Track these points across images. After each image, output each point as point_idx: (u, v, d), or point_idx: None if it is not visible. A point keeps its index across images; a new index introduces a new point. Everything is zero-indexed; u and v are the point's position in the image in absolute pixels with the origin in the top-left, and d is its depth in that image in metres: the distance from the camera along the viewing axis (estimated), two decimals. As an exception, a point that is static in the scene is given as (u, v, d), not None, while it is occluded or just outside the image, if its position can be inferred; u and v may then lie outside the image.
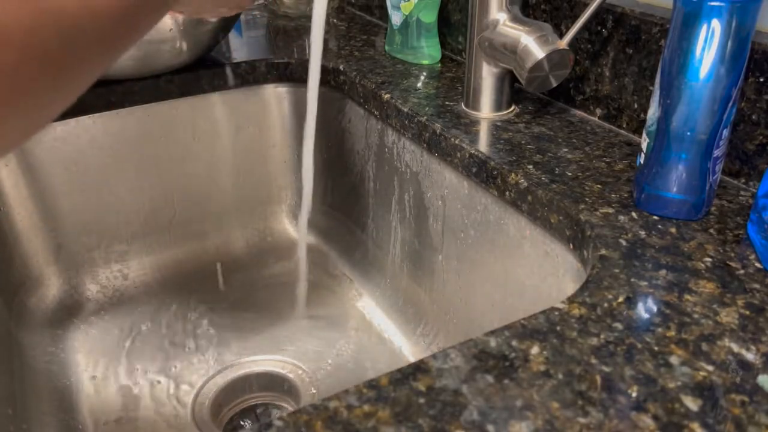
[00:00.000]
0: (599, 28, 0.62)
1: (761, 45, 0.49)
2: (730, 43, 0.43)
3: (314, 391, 0.72)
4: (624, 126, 0.63)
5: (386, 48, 0.85)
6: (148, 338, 0.78)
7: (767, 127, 0.51)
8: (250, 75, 0.86)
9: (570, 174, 0.55)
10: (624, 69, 0.61)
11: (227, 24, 0.78)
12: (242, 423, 0.72)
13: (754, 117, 0.51)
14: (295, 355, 0.76)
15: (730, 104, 0.44)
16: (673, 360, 0.36)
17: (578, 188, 0.53)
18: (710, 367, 0.36)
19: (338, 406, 0.33)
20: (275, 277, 0.88)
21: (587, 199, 0.51)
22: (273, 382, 0.74)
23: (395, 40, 0.82)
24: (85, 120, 0.79)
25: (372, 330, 0.80)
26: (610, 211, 0.50)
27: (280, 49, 0.89)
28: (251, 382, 0.74)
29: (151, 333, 0.78)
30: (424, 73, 0.78)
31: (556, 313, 0.40)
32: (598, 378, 0.35)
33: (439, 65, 0.81)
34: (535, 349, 0.37)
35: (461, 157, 0.62)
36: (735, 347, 0.37)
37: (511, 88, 0.67)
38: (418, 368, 0.36)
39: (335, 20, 1.01)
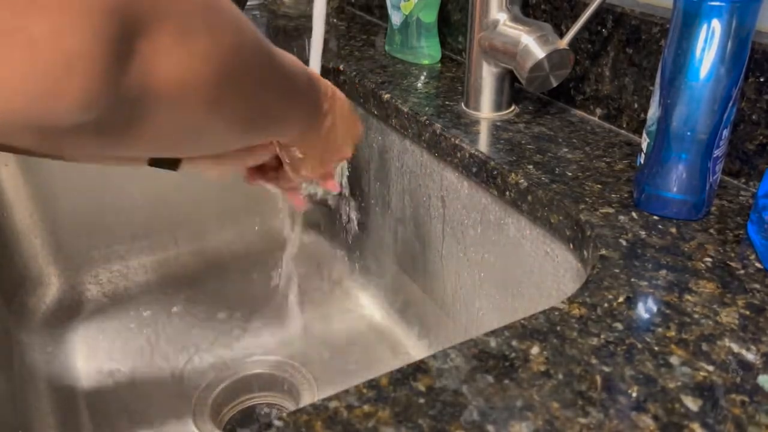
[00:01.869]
0: (599, 28, 0.62)
1: (761, 45, 0.49)
2: (730, 43, 0.43)
3: (314, 391, 0.72)
4: (624, 126, 0.63)
5: (386, 48, 0.85)
6: (147, 338, 0.78)
7: (767, 127, 0.51)
8: (250, 75, 0.86)
9: (570, 174, 0.55)
10: (624, 69, 0.61)
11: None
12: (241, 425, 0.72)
13: (754, 117, 0.51)
14: (295, 355, 0.76)
15: (731, 104, 0.44)
16: (674, 360, 0.36)
17: (578, 188, 0.53)
18: (710, 367, 0.36)
19: (338, 406, 0.33)
20: (275, 277, 0.88)
21: (587, 199, 0.51)
22: (273, 383, 0.74)
23: (395, 39, 0.82)
24: (85, 120, 0.79)
25: (372, 330, 0.80)
26: (611, 211, 0.50)
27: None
28: (251, 383, 0.74)
29: (150, 333, 0.78)
30: (424, 73, 0.78)
31: (557, 313, 0.40)
32: (599, 378, 0.35)
33: (439, 65, 0.81)
34: (535, 349, 0.37)
35: (461, 157, 0.62)
36: (735, 347, 0.37)
37: (511, 88, 0.67)
38: (418, 368, 0.36)
39: (335, 20, 1.01)
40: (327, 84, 0.49)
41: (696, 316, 0.39)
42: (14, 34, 0.20)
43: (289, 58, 0.40)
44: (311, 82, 0.45)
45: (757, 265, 0.44)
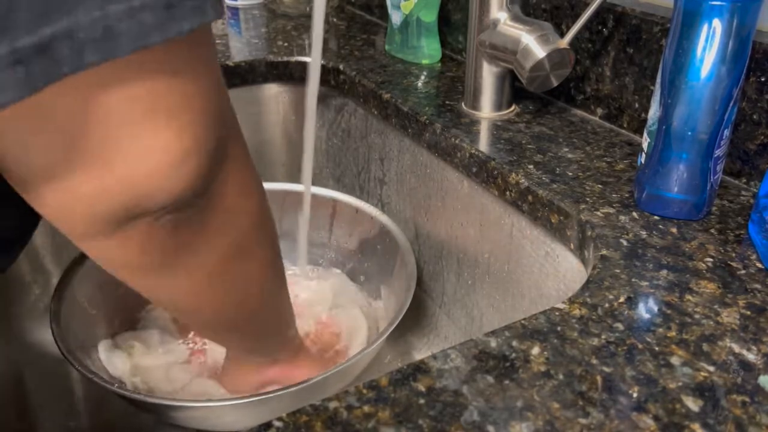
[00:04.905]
0: (600, 27, 0.62)
1: (762, 44, 0.49)
2: (731, 43, 0.42)
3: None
4: (625, 126, 0.62)
5: (386, 47, 0.85)
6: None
7: (768, 126, 0.51)
8: (250, 75, 0.86)
9: (571, 174, 0.55)
10: (625, 68, 0.60)
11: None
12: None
13: (755, 117, 0.51)
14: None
15: (731, 104, 0.44)
16: (674, 360, 0.36)
17: (579, 188, 0.53)
18: (711, 368, 0.36)
19: (338, 406, 0.33)
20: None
21: (588, 199, 0.51)
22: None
23: (395, 39, 0.82)
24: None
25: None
26: (611, 211, 0.50)
27: (279, 48, 0.89)
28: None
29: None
30: (424, 73, 0.78)
31: (557, 313, 0.40)
32: (599, 378, 0.35)
33: (439, 65, 0.81)
34: (535, 350, 0.37)
35: (461, 157, 0.62)
36: (736, 348, 0.37)
37: (512, 88, 0.67)
38: (418, 368, 0.36)
39: (335, 19, 1.01)
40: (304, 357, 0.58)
41: (697, 316, 0.39)
42: (170, 124, 0.27)
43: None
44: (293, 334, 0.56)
45: (758, 265, 0.44)
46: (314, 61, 0.59)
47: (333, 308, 0.72)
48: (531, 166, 0.56)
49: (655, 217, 0.49)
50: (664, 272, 0.43)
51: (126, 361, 0.63)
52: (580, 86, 0.66)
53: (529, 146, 0.60)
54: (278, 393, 0.50)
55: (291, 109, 0.90)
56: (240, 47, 0.90)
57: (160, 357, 0.66)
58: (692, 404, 0.33)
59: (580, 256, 0.50)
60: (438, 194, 0.69)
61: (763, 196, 0.45)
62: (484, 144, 0.61)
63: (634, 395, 0.34)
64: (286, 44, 0.90)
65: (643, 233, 0.47)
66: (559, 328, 0.38)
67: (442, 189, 0.68)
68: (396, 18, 0.81)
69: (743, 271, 0.43)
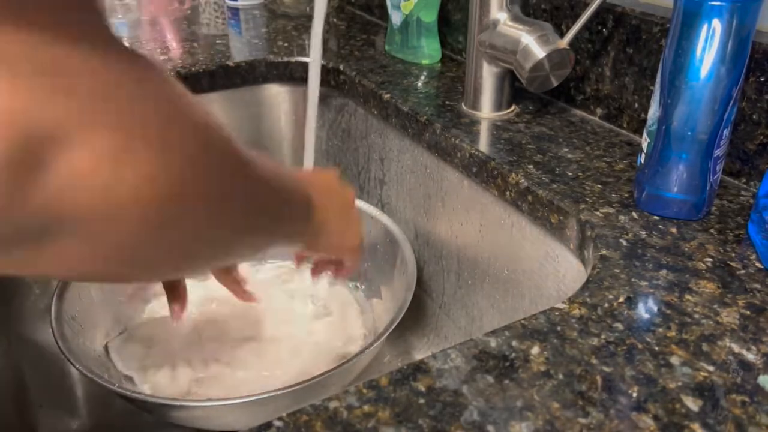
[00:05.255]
0: (600, 27, 0.62)
1: (762, 44, 0.49)
2: (730, 43, 0.42)
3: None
4: (624, 126, 0.63)
5: (386, 47, 0.85)
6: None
7: (768, 126, 0.51)
8: (250, 75, 0.86)
9: (570, 174, 0.55)
10: (624, 69, 0.61)
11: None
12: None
13: (754, 117, 0.51)
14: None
15: (731, 104, 0.44)
16: (674, 360, 0.36)
17: (579, 188, 0.53)
18: (711, 368, 0.36)
19: (338, 406, 0.33)
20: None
21: (588, 199, 0.51)
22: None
23: (395, 39, 0.82)
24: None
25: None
26: (611, 211, 0.50)
27: (280, 49, 0.89)
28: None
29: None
30: (424, 73, 0.78)
31: (557, 313, 0.40)
32: (599, 378, 0.35)
33: (439, 65, 0.81)
34: (535, 350, 0.37)
35: (461, 157, 0.62)
36: (736, 347, 0.37)
37: (512, 88, 0.67)
38: (418, 368, 0.36)
39: (335, 19, 1.01)
40: (314, 180, 0.47)
41: (696, 316, 0.39)
42: None
43: (270, 166, 0.38)
44: (296, 185, 0.43)
45: (758, 265, 0.44)
46: (314, 61, 0.59)
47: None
48: (531, 166, 0.56)
49: (655, 217, 0.49)
50: (663, 272, 0.43)
51: (137, 355, 0.64)
52: (579, 86, 0.66)
53: (529, 146, 0.60)
54: (278, 393, 0.50)
55: (291, 109, 0.90)
56: (240, 47, 0.90)
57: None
58: (692, 404, 0.33)
59: (580, 256, 0.50)
60: (438, 194, 0.69)
61: (763, 196, 0.45)
62: (484, 144, 0.61)
63: (634, 395, 0.34)
64: (286, 44, 0.90)
65: (643, 233, 0.47)
66: (558, 328, 0.38)
67: (442, 189, 0.68)
68: (396, 18, 0.81)
69: (743, 271, 0.43)
